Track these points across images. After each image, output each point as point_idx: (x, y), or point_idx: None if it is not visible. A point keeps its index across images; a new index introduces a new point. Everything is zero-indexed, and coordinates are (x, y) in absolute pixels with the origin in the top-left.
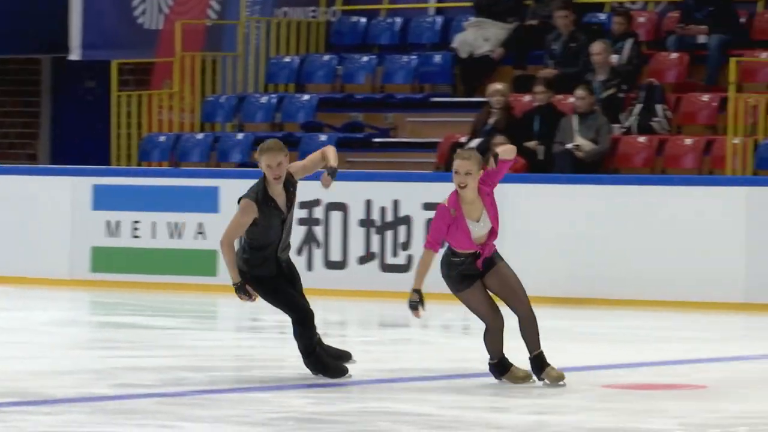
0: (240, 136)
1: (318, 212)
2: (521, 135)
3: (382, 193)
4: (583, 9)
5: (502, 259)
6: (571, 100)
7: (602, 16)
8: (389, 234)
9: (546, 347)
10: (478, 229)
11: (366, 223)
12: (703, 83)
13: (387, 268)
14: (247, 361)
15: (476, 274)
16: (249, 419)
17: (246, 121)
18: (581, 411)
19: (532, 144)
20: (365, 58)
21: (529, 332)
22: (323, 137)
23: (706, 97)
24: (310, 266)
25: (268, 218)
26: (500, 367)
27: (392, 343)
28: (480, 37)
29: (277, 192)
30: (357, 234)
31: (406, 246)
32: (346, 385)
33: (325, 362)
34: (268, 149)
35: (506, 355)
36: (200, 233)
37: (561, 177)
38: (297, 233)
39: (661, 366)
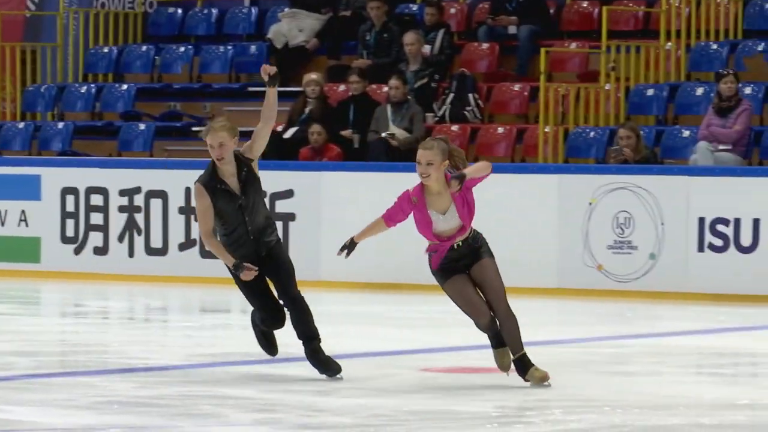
0: (60, 125)
1: (138, 200)
2: (337, 124)
3: None
4: (395, 0)
5: (491, 255)
6: (385, 89)
7: (414, 8)
8: None
9: (363, 332)
10: (443, 223)
11: (185, 210)
12: (514, 73)
13: (207, 254)
14: (71, 346)
15: (455, 268)
16: (75, 403)
17: (66, 110)
18: (400, 394)
19: (347, 133)
20: (182, 49)
21: (510, 334)
22: (142, 126)
23: (517, 87)
24: (131, 253)
25: (220, 201)
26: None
27: (213, 328)
28: (294, 27)
29: (228, 173)
30: (177, 221)
31: None
32: (169, 369)
33: (268, 339)
34: (209, 129)
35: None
36: (23, 220)
37: (376, 165)
38: (118, 221)
39: (478, 350)
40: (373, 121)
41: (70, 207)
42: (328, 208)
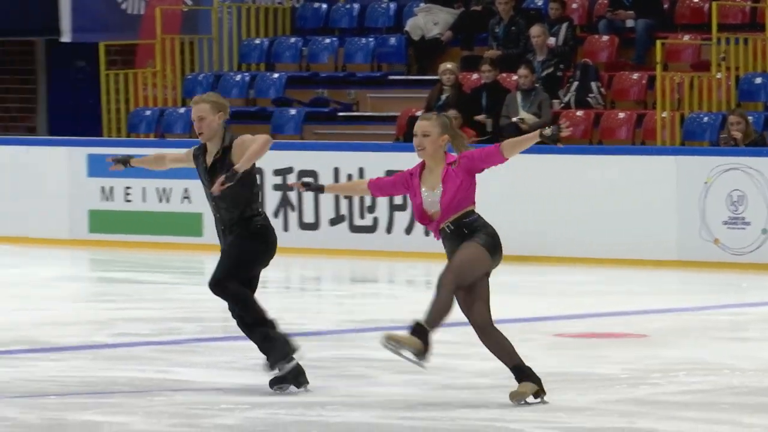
0: None
1: (291, 179)
2: (471, 109)
3: (348, 162)
4: None
5: (477, 240)
6: (515, 77)
7: (539, 2)
8: (356, 198)
9: (499, 301)
10: (429, 202)
11: None
12: (633, 63)
13: (355, 229)
14: None
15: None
16: (236, 365)
17: (223, 97)
18: (534, 358)
19: (481, 117)
20: (327, 40)
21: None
22: (292, 111)
23: (635, 76)
24: (286, 227)
25: (198, 172)
26: (520, 375)
27: (362, 296)
28: (430, 21)
29: (210, 152)
30: (327, 198)
31: (371, 209)
32: (323, 334)
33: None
34: (191, 102)
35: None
36: (186, 198)
37: None
38: (273, 198)
39: (605, 317)
40: (504, 106)
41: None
42: None
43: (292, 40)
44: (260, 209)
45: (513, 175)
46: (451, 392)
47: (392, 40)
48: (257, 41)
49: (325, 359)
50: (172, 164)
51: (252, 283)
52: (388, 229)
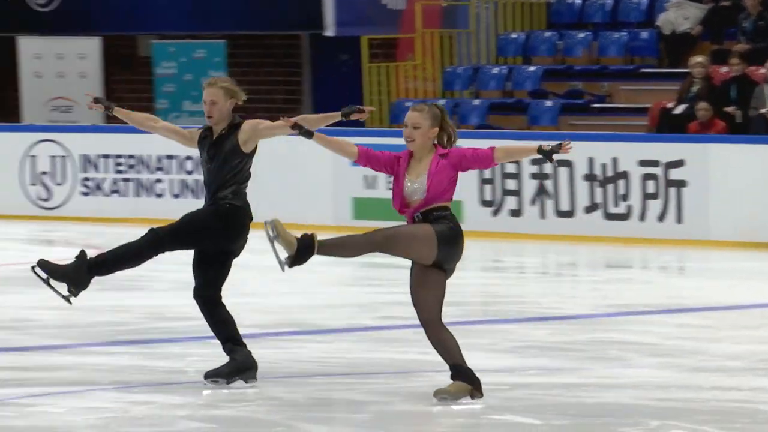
0: (477, 101)
1: (548, 168)
2: (720, 101)
3: (603, 152)
4: None
5: (435, 224)
6: (763, 71)
7: None
8: (610, 187)
9: (749, 286)
10: (410, 190)
11: (590, 177)
12: None
13: (609, 216)
14: (492, 297)
15: None
16: (497, 347)
17: (481, 89)
18: None
19: (730, 109)
20: (582, 35)
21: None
22: (549, 103)
23: None
24: (542, 215)
25: (200, 151)
26: (453, 374)
27: (617, 281)
28: (681, 16)
29: (215, 134)
30: (582, 187)
31: (625, 197)
32: (579, 318)
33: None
34: (205, 84)
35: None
36: None
37: (757, 138)
38: (530, 187)
39: None
40: (752, 98)
41: (487, 174)
42: (715, 175)
43: (548, 34)
44: (234, 193)
45: (764, 165)
46: (703, 375)
47: (644, 35)
48: (514, 35)
49: (581, 342)
50: (165, 132)
51: (225, 267)
52: (641, 217)
